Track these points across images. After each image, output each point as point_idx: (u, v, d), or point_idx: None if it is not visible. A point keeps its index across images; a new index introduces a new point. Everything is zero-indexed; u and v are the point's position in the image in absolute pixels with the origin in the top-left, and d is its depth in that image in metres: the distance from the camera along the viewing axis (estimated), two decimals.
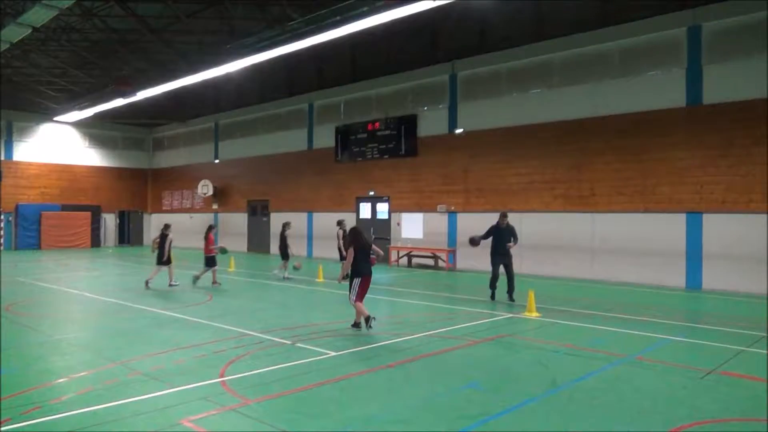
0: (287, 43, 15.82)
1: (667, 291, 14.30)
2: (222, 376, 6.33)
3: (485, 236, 12.30)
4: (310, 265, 18.16)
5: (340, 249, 15.84)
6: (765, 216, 13.60)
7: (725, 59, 14.33)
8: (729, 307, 11.96)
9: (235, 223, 28.89)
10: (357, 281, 8.90)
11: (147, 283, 13.88)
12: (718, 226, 14.39)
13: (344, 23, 14.20)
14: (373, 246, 9.34)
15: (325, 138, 24.20)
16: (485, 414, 5.22)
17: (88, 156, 32.13)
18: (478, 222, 19.19)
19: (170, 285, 14.04)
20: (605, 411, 5.35)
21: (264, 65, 18.79)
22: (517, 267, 18.24)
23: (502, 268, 12.18)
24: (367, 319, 8.79)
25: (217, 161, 30.04)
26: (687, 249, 14.88)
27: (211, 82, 22.37)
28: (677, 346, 8.29)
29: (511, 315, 10.51)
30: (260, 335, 8.54)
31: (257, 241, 27.50)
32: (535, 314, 10.41)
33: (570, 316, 10.41)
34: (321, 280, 15.81)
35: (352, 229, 9.44)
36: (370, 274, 9.06)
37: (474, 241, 12.20)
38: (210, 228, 15.22)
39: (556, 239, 17.35)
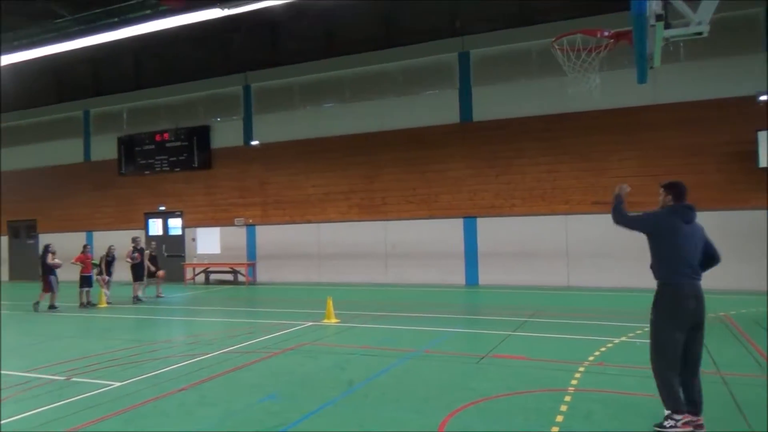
0: (52, 43, 14.10)
1: (450, 289, 15.82)
2: None
3: (637, 222, 4.97)
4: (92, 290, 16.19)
5: (133, 267, 15.16)
6: (524, 218, 15.88)
7: (490, 82, 16.42)
8: (500, 299, 13.64)
9: None
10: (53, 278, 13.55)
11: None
12: (489, 228, 16.38)
13: (122, 26, 13.12)
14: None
15: (106, 149, 21.97)
16: (283, 423, 5.19)
17: None
18: (277, 233, 19.19)
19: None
20: (395, 403, 5.70)
21: (26, 66, 16.44)
22: (315, 276, 18.86)
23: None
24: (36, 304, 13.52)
25: None
26: (465, 249, 16.66)
27: None
28: (458, 336, 9.20)
29: (311, 323, 10.63)
30: (25, 374, 7.37)
31: (21, 268, 23.74)
32: (333, 320, 10.68)
33: (366, 320, 10.91)
34: (103, 305, 14.26)
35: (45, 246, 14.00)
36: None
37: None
38: (85, 247, 14.84)
39: (353, 247, 18.06)
